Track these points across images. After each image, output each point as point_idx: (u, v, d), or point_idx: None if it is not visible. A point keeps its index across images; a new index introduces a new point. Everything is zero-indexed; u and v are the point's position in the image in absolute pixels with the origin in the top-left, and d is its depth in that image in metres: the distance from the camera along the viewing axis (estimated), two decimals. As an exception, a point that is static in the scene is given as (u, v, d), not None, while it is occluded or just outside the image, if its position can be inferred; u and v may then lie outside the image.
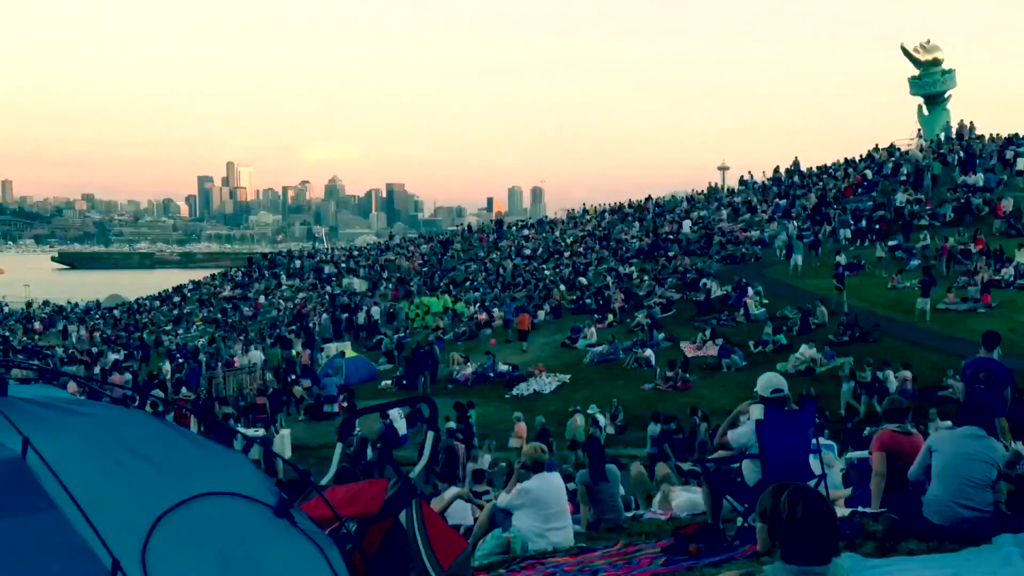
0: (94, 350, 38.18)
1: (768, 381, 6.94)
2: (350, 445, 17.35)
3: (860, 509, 6.94)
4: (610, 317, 30.74)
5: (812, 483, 6.49)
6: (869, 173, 41.10)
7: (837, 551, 2.97)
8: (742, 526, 6.51)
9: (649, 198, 52.89)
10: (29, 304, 59.16)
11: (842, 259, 30.37)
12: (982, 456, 6.00)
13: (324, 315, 39.02)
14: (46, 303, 59.62)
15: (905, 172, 39.17)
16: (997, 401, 9.17)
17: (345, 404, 22.64)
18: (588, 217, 53.97)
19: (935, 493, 6.03)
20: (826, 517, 2.97)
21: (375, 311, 38.13)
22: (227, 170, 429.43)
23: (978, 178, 35.98)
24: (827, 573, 2.91)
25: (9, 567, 2.57)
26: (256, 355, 30.71)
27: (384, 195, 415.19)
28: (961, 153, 39.78)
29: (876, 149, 46.21)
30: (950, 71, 49.23)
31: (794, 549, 2.92)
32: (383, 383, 28.13)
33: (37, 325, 49.31)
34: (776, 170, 47.97)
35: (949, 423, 7.48)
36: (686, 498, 9.26)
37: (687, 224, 41.95)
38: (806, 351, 23.50)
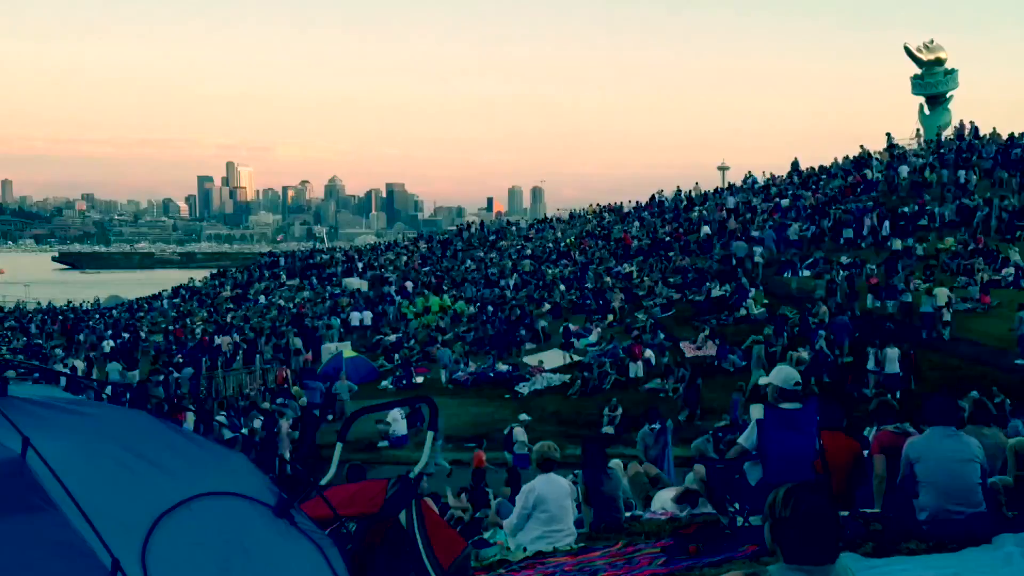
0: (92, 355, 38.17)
1: (789, 374, 6.94)
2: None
3: (861, 509, 6.94)
4: (610, 317, 30.75)
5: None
6: (869, 173, 41.08)
7: (837, 552, 2.93)
8: (742, 526, 6.51)
9: (653, 197, 52.65)
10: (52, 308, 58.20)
11: (843, 259, 30.45)
12: (962, 456, 6.05)
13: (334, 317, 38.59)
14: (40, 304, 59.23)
15: (905, 172, 39.16)
16: None
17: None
18: (588, 216, 53.93)
19: (925, 502, 6.06)
20: (825, 517, 2.92)
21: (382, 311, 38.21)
22: (227, 170, 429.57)
23: (972, 177, 36.00)
24: (831, 573, 2.88)
25: (9, 567, 2.57)
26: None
27: (384, 195, 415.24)
28: (961, 153, 39.79)
29: (888, 143, 46.04)
30: (953, 71, 49.21)
31: (792, 549, 2.90)
32: (383, 383, 28.15)
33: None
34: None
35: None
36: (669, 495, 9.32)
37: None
38: (804, 353, 23.43)
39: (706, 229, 39.29)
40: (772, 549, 2.98)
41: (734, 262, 33.00)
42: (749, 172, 50.57)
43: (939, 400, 6.44)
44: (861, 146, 45.84)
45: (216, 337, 36.70)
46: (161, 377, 28.34)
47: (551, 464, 7.68)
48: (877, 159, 43.73)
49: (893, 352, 21.27)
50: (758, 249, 33.66)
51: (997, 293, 25.85)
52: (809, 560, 2.86)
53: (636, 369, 24.41)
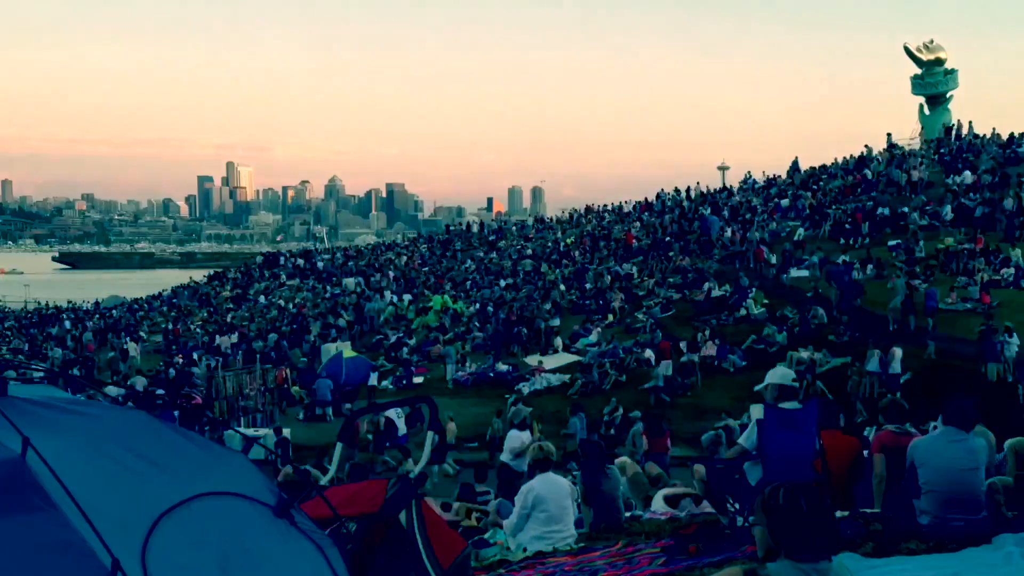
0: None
1: (786, 374, 7.00)
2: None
3: (861, 509, 6.94)
4: (610, 317, 30.73)
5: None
6: (869, 173, 41.08)
7: (837, 548, 2.95)
8: (742, 526, 6.51)
9: (657, 197, 52.56)
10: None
11: (843, 259, 30.48)
12: (965, 464, 6.04)
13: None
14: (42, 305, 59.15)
15: (905, 172, 39.14)
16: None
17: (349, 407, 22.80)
18: (588, 216, 53.91)
19: (924, 507, 6.06)
20: (826, 512, 2.93)
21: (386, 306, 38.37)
22: (227, 170, 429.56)
23: (970, 177, 36.01)
24: (830, 571, 2.88)
25: (9, 567, 2.57)
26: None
27: (384, 195, 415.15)
28: (958, 153, 39.81)
29: (887, 144, 46.02)
30: (953, 71, 49.21)
31: (797, 544, 2.89)
32: (383, 383, 28.12)
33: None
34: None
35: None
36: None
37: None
38: (803, 353, 23.46)
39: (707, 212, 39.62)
40: (766, 550, 2.98)
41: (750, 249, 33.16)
42: (748, 172, 50.61)
43: (957, 403, 6.41)
44: (866, 146, 45.80)
45: (216, 337, 36.82)
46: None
47: (547, 464, 7.69)
48: (877, 159, 43.73)
49: (898, 351, 21.35)
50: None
51: (997, 293, 25.84)
52: (812, 554, 2.85)
53: (666, 367, 24.25)
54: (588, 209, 55.35)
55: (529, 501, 7.44)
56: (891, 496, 6.63)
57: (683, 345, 25.90)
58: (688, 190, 49.72)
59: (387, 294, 40.49)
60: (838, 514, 6.58)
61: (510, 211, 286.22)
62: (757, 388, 7.21)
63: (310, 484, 3.98)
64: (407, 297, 40.00)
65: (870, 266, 29.85)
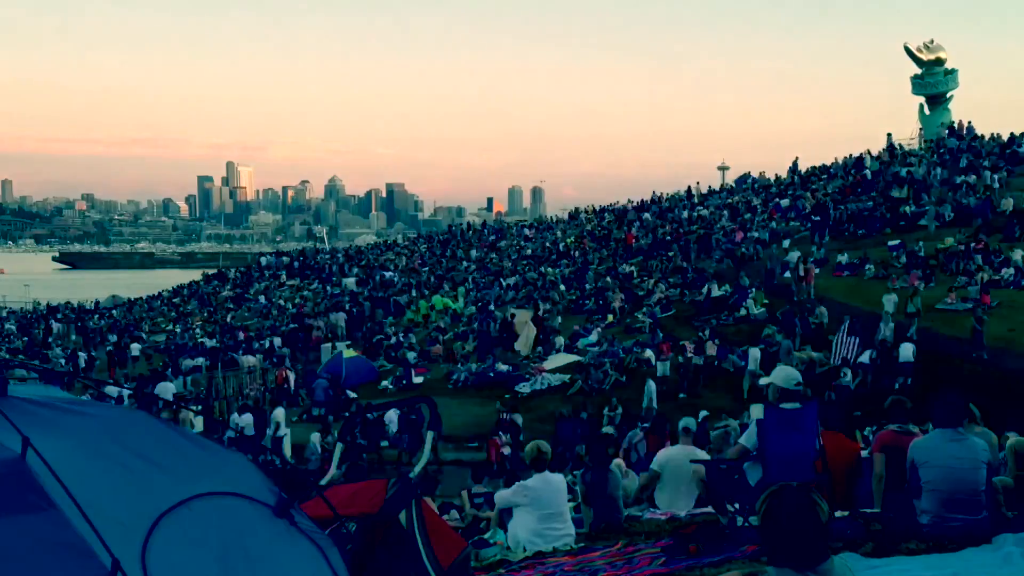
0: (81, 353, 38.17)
1: (789, 374, 6.95)
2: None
3: (861, 509, 6.94)
4: (610, 317, 30.71)
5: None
6: (869, 173, 41.07)
7: (824, 556, 2.83)
8: (742, 526, 6.51)
9: (655, 199, 52.65)
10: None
11: (843, 259, 30.50)
12: (965, 463, 6.00)
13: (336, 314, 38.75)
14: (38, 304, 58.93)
15: (905, 172, 39.13)
16: None
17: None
18: (588, 216, 53.90)
19: (924, 507, 6.05)
20: (809, 521, 2.78)
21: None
22: (227, 170, 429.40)
23: (977, 176, 35.99)
24: (832, 572, 2.82)
25: (9, 567, 2.57)
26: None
27: (384, 195, 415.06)
28: (959, 153, 39.79)
29: (888, 143, 46.01)
30: (953, 71, 49.25)
31: (777, 552, 2.83)
32: (383, 383, 28.09)
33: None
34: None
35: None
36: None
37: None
38: (803, 353, 23.43)
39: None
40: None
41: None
42: (747, 172, 50.65)
43: (945, 400, 6.35)
44: (867, 151, 45.83)
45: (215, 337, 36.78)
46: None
47: (542, 464, 7.70)
48: (877, 159, 43.74)
49: (908, 347, 21.93)
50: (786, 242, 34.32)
51: (997, 293, 25.79)
52: (791, 564, 2.77)
53: (664, 368, 24.22)
54: (573, 215, 55.69)
55: (521, 495, 7.53)
56: (891, 496, 6.61)
57: (691, 351, 25.90)
58: (689, 189, 49.78)
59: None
60: (838, 514, 6.57)
61: (510, 211, 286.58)
62: (763, 381, 7.18)
63: (310, 484, 3.98)
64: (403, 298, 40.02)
65: (869, 266, 29.83)
